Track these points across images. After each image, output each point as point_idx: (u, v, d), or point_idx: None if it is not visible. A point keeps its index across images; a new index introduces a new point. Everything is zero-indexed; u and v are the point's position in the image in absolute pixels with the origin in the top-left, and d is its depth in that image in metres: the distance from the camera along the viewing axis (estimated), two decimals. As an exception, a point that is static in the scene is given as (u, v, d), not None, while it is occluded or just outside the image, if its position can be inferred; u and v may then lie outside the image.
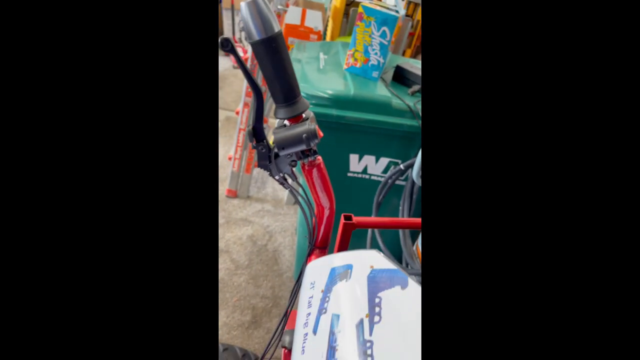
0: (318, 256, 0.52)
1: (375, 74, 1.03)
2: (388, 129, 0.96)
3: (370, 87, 1.00)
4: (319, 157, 0.44)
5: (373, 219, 0.56)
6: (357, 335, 0.36)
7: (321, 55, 1.16)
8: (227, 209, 1.79)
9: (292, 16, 1.83)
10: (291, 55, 0.99)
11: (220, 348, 0.89)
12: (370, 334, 0.35)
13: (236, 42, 3.68)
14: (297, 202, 0.46)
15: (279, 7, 1.80)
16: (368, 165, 1.08)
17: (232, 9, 3.42)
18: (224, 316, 1.32)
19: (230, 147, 2.22)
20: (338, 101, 0.93)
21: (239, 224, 1.72)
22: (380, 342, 0.34)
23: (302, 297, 0.49)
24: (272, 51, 0.35)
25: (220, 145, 2.29)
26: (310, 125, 0.37)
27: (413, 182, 1.02)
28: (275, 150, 0.40)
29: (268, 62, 0.35)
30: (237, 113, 1.72)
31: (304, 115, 0.39)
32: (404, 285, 0.38)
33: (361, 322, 0.37)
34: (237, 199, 1.86)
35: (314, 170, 0.44)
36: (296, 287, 0.55)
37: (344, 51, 1.17)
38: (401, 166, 1.00)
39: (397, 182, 1.07)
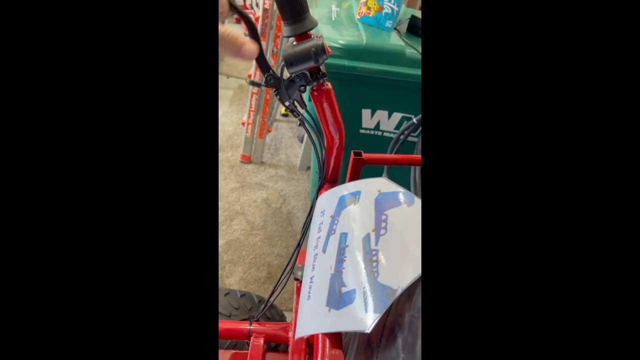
0: (328, 190, 0.53)
1: (388, 23, 0.99)
2: (401, 80, 0.94)
3: (384, 36, 0.97)
4: (328, 83, 0.44)
5: (383, 155, 0.56)
6: (363, 246, 0.38)
7: (333, 8, 1.13)
8: (242, 174, 1.82)
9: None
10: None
11: (238, 294, 0.94)
12: (376, 244, 0.37)
13: (246, 8, 3.60)
14: (306, 132, 0.47)
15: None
16: (381, 121, 1.07)
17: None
18: (241, 272, 1.38)
19: (244, 113, 2.23)
20: (350, 51, 0.91)
21: (254, 188, 1.76)
22: (385, 249, 0.35)
23: (312, 227, 0.51)
24: None
25: (234, 112, 2.30)
26: (318, 40, 0.37)
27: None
28: (287, 74, 0.40)
29: None
30: (250, 76, 1.72)
31: (312, 34, 0.39)
32: (410, 204, 0.39)
33: (368, 235, 0.38)
34: (251, 164, 1.89)
35: (323, 97, 0.44)
36: (307, 220, 0.56)
37: (357, 4, 1.13)
38: (414, 120, 0.98)
39: (410, 138, 1.06)
